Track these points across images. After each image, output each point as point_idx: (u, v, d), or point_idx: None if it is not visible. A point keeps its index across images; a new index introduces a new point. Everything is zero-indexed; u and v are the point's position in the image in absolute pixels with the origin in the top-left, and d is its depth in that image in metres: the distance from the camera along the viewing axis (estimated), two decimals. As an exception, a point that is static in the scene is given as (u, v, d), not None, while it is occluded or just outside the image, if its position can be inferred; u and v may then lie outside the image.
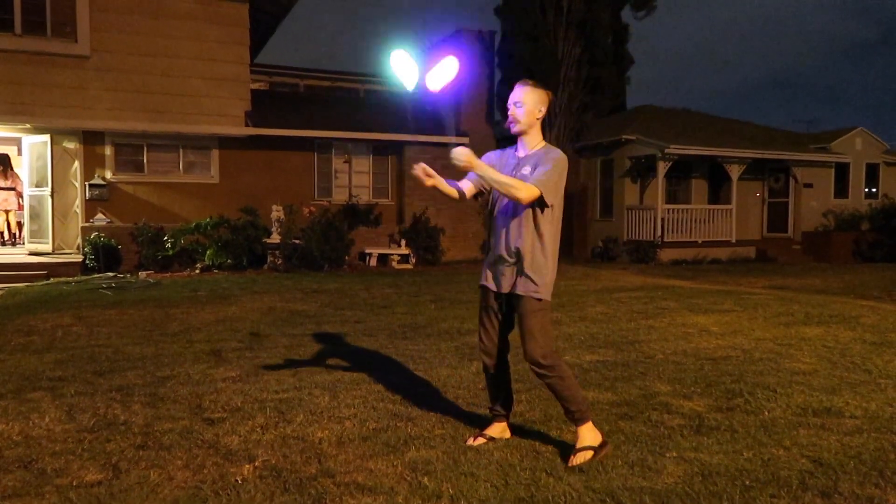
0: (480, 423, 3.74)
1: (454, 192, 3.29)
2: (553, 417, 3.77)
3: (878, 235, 16.99)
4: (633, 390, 4.41)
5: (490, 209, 3.32)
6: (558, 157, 3.14)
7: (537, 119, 3.21)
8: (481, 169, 3.05)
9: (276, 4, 14.16)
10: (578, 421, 3.19)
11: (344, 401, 4.13)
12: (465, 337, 6.15)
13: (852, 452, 3.29)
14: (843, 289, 10.29)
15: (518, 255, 3.15)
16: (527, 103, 3.17)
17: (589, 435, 3.19)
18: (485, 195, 3.34)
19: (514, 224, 3.17)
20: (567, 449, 3.27)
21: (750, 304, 8.14)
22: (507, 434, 3.45)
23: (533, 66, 15.85)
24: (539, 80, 3.29)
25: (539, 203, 3.08)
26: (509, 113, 3.23)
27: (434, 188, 3.18)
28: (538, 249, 3.14)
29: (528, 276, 3.12)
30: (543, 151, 3.19)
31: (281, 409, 3.98)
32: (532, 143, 3.24)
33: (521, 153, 3.26)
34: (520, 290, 3.14)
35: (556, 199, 3.13)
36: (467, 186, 3.30)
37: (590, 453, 3.14)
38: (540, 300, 3.13)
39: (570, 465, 3.08)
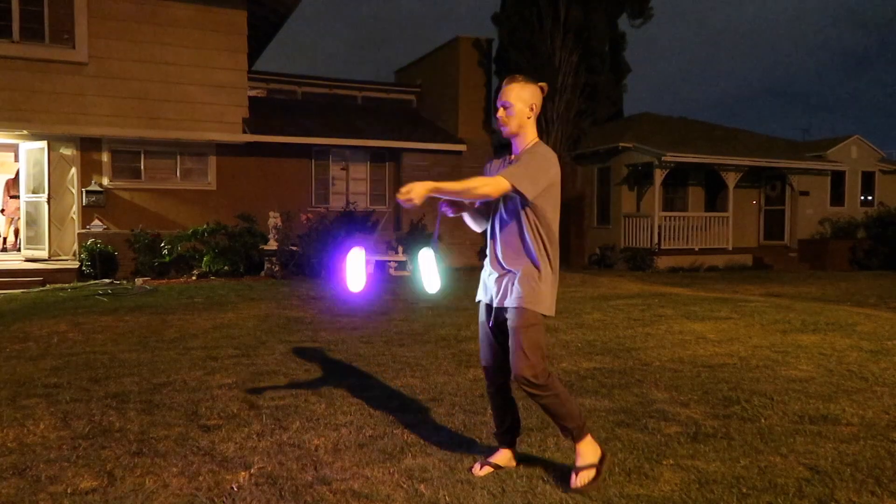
0: (477, 431, 3.74)
1: (484, 222, 3.17)
2: (550, 424, 3.76)
3: (874, 243, 17.06)
4: (629, 397, 4.41)
5: (490, 221, 3.13)
6: (541, 153, 2.93)
7: (528, 118, 2.98)
8: (437, 188, 2.75)
9: (273, 12, 14.20)
10: (577, 438, 2.99)
11: (340, 408, 4.12)
12: (461, 344, 6.14)
13: (849, 460, 3.29)
14: (839, 296, 10.31)
15: (511, 266, 2.97)
16: (516, 103, 2.95)
17: (589, 450, 2.99)
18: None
19: (507, 233, 2.99)
20: (564, 456, 3.26)
21: (747, 312, 8.15)
22: (514, 463, 3.18)
23: (530, 74, 15.89)
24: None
25: (522, 199, 2.87)
26: (497, 115, 3.02)
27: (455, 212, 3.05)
28: (532, 259, 2.94)
29: (519, 288, 2.92)
30: (530, 148, 2.99)
31: (277, 416, 3.96)
32: (523, 143, 3.02)
33: (511, 157, 3.07)
34: (510, 303, 2.94)
35: (537, 193, 2.87)
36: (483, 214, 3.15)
37: (592, 472, 2.95)
38: (530, 313, 2.90)
39: (573, 486, 2.91)
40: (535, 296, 2.92)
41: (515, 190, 2.83)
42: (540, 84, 3.04)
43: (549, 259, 2.97)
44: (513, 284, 2.95)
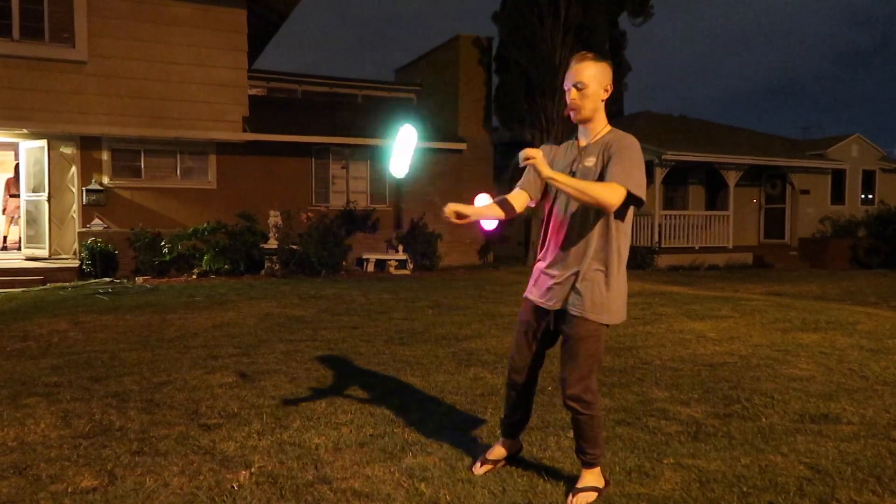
0: (478, 430, 3.73)
1: (501, 213, 2.85)
2: (551, 424, 3.76)
3: (875, 242, 17.05)
4: (630, 396, 4.41)
5: (548, 212, 2.85)
6: (632, 143, 2.63)
7: (602, 101, 2.71)
8: (554, 174, 2.54)
9: (273, 11, 14.19)
10: (589, 465, 2.84)
11: (341, 407, 4.12)
12: (462, 343, 6.14)
13: (850, 459, 3.29)
14: (839, 295, 10.31)
15: (578, 267, 2.69)
16: (590, 83, 2.65)
17: (594, 477, 2.85)
18: (546, 198, 2.87)
19: (581, 228, 2.68)
20: (565, 455, 3.26)
21: (747, 311, 8.15)
22: (514, 450, 3.16)
23: (530, 73, 15.90)
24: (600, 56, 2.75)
25: (627, 203, 2.60)
26: (568, 99, 2.69)
27: (475, 222, 2.78)
28: (606, 260, 2.66)
29: (585, 294, 2.66)
30: (612, 138, 2.68)
31: (277, 414, 3.96)
32: (596, 128, 2.73)
33: (582, 142, 2.76)
34: (574, 310, 2.68)
35: (645, 193, 2.61)
36: (521, 198, 2.86)
37: (592, 496, 2.79)
38: (594, 325, 2.66)
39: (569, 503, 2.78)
40: (602, 304, 2.68)
41: (631, 196, 2.57)
42: (609, 62, 2.76)
43: (621, 261, 2.71)
44: (578, 288, 2.69)
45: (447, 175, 15.23)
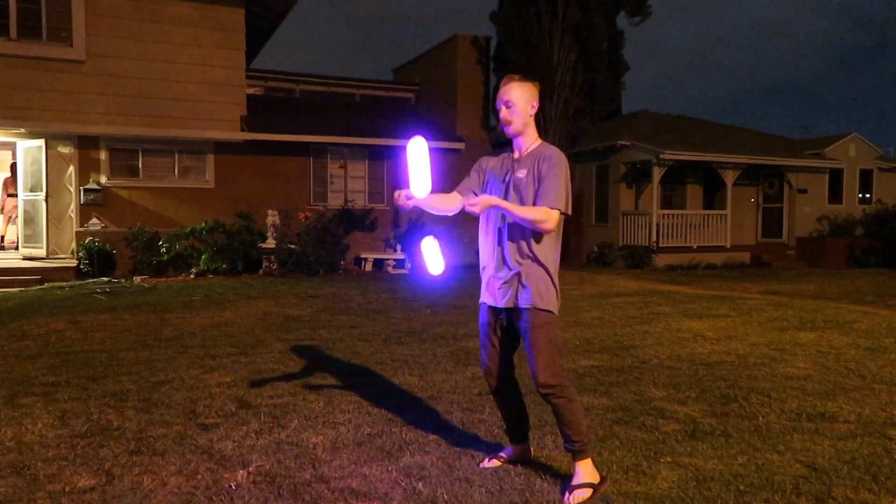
0: (475, 429, 3.74)
1: (448, 206, 3.02)
2: (548, 423, 3.76)
3: (872, 241, 17.06)
4: (627, 395, 4.41)
5: (484, 221, 3.07)
6: (557, 159, 2.89)
7: (530, 116, 2.99)
8: (501, 204, 2.84)
9: (271, 10, 14.18)
10: (578, 454, 2.90)
11: (338, 406, 4.12)
12: (460, 342, 6.15)
13: (846, 457, 3.30)
14: (837, 294, 10.33)
15: (519, 267, 2.91)
16: (517, 101, 2.95)
17: (588, 471, 2.90)
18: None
19: (515, 233, 2.94)
20: (562, 454, 3.26)
21: (744, 310, 8.16)
22: (529, 453, 3.25)
23: (528, 72, 15.89)
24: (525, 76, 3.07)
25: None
26: (500, 116, 3.00)
27: (420, 207, 2.89)
28: (539, 257, 2.91)
29: (531, 288, 2.87)
30: (538, 151, 2.96)
31: (275, 414, 3.97)
32: (527, 142, 3.01)
33: (516, 154, 3.03)
34: (523, 304, 2.89)
35: (569, 205, 2.90)
36: (457, 200, 3.06)
37: (588, 491, 2.83)
38: (544, 313, 2.88)
39: (566, 503, 2.80)
40: (547, 295, 2.90)
41: (562, 213, 2.87)
42: (535, 82, 3.05)
43: (555, 257, 2.97)
44: (523, 285, 2.90)
45: (446, 175, 15.23)
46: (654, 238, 15.70)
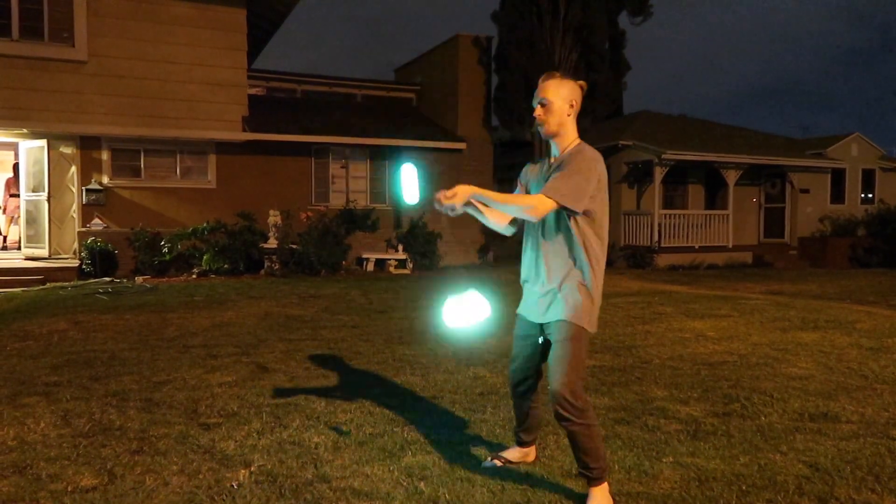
0: (477, 429, 3.74)
1: (502, 218, 2.90)
2: (550, 423, 3.75)
3: (875, 241, 17.03)
4: (629, 395, 4.41)
5: (525, 232, 2.98)
6: (583, 156, 2.72)
7: (568, 116, 2.79)
8: (481, 193, 2.67)
9: (273, 10, 14.19)
10: (594, 481, 2.73)
11: (340, 406, 4.12)
12: (462, 342, 6.14)
13: (849, 457, 3.29)
14: (839, 294, 10.31)
15: (558, 280, 2.79)
16: (554, 101, 2.76)
17: (603, 498, 2.74)
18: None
19: (555, 244, 2.80)
20: (564, 454, 3.26)
21: (747, 310, 8.15)
22: (530, 458, 3.21)
23: (529, 72, 15.89)
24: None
25: (569, 212, 2.71)
26: (535, 114, 2.82)
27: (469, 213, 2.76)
28: (581, 272, 2.78)
29: (565, 302, 2.76)
30: (572, 151, 2.78)
31: (277, 413, 3.97)
32: (563, 144, 2.82)
33: (552, 159, 2.87)
34: (553, 316, 2.79)
35: (585, 204, 2.69)
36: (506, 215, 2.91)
37: None
38: (575, 327, 2.73)
39: None
40: (581, 310, 2.76)
41: (562, 207, 2.67)
42: (579, 82, 2.85)
43: (595, 272, 2.81)
44: (560, 299, 2.79)
45: (447, 174, 15.22)
46: (656, 238, 15.69)
